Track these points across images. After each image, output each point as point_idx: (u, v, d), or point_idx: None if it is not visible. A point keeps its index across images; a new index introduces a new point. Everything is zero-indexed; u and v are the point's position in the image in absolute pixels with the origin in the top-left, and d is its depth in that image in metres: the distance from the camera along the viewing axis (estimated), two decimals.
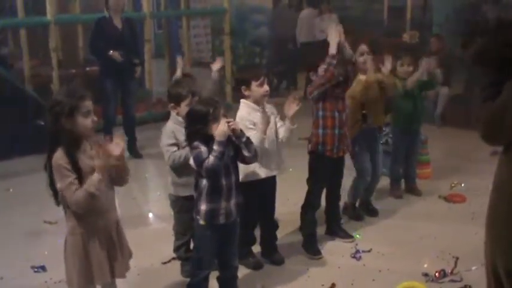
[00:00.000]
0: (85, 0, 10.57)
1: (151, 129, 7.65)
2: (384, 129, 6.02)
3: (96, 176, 2.82)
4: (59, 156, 2.84)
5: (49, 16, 7.48)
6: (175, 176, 3.77)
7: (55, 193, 2.96)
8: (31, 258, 4.23)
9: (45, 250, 4.34)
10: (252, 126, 3.80)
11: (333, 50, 4.00)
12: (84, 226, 2.96)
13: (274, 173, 3.96)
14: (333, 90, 4.11)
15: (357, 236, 4.52)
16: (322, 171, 4.26)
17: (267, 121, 3.75)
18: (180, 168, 3.69)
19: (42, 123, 6.94)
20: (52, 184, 2.93)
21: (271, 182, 4.01)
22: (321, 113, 4.16)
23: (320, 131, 4.16)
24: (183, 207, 3.77)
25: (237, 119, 3.87)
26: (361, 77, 4.63)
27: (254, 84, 3.86)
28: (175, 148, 3.67)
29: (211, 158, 3.20)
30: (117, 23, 6.49)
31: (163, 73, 10.00)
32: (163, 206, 5.29)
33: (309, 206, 4.29)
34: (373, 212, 4.99)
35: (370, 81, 4.61)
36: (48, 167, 2.89)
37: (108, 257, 3.02)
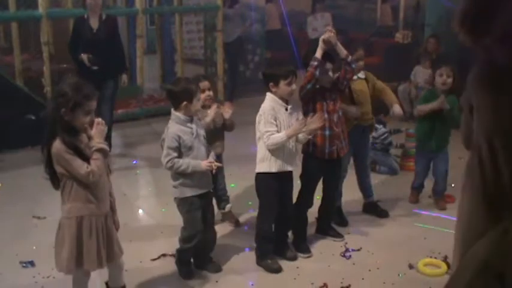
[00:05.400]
0: None
1: (142, 126, 7.57)
2: (381, 127, 6.02)
3: None
4: (58, 145, 2.89)
5: (41, 10, 7.43)
6: (183, 178, 3.70)
7: (51, 176, 3.02)
8: (19, 253, 4.20)
9: (34, 245, 4.31)
10: (273, 121, 3.81)
11: (317, 54, 4.01)
12: (79, 210, 3.01)
13: (291, 168, 3.98)
14: (322, 91, 4.11)
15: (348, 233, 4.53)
16: (314, 171, 4.26)
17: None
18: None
19: (33, 117, 6.92)
20: (48, 167, 2.99)
21: (289, 177, 4.03)
22: (311, 114, 4.16)
23: None
24: (193, 205, 3.73)
25: (260, 111, 3.90)
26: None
27: (283, 83, 3.87)
28: (175, 154, 3.62)
29: None
30: (93, 23, 6.22)
31: (155, 69, 9.97)
32: (153, 203, 5.29)
33: (300, 204, 4.28)
34: (382, 213, 4.91)
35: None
36: (46, 151, 2.94)
37: (97, 245, 3.06)
